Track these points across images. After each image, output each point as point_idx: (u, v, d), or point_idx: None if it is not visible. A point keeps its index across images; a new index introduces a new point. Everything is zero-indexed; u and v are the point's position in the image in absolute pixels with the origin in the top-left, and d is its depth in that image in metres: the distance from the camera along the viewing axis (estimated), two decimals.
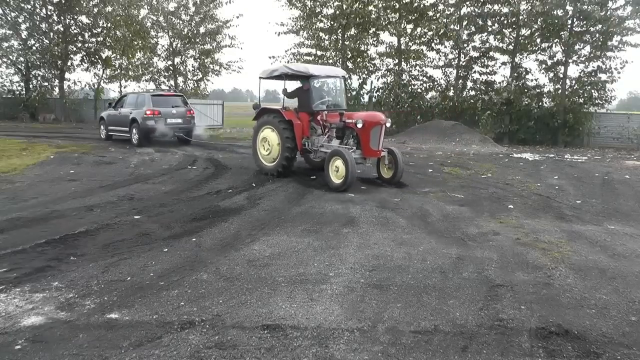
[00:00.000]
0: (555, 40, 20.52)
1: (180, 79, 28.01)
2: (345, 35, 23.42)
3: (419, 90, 23.47)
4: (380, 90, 23.44)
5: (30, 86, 27.65)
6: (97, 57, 27.38)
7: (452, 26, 21.82)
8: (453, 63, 22.94)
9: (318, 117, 10.07)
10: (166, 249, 5.25)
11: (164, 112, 15.56)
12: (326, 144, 9.97)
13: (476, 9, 21.42)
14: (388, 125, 9.56)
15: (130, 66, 27.66)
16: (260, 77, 10.99)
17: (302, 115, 10.10)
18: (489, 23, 21.59)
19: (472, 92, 22.88)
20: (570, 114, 19.95)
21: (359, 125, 9.21)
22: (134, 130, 15.67)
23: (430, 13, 22.44)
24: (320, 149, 10.03)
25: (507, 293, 4.24)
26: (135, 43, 25.64)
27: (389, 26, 22.91)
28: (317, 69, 10.53)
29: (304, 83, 10.23)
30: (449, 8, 22.26)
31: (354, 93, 24.01)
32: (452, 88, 23.13)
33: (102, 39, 26.75)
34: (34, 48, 26.60)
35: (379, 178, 9.99)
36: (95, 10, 26.00)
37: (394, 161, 9.60)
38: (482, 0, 21.04)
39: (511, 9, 20.08)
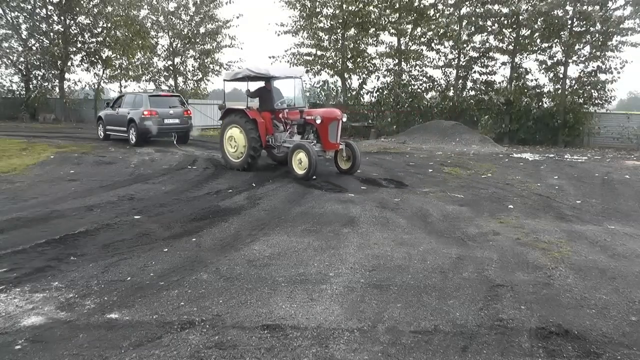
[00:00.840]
0: (555, 40, 20.51)
1: (180, 79, 28.02)
2: (345, 35, 23.42)
3: (419, 90, 23.45)
4: (380, 90, 23.44)
5: (31, 86, 27.65)
6: (97, 57, 27.36)
7: (452, 26, 21.80)
8: (453, 63, 22.91)
9: (280, 115, 10.94)
10: (166, 249, 5.25)
11: (161, 113, 15.65)
12: (288, 139, 10.81)
13: (476, 9, 21.39)
14: (344, 120, 10.48)
15: (130, 66, 27.67)
16: (224, 80, 11.87)
17: (264, 114, 10.85)
18: (489, 23, 21.57)
19: (472, 92, 22.86)
20: (570, 114, 19.93)
21: (318, 121, 10.06)
22: (132, 130, 15.74)
23: (431, 13, 22.41)
24: (283, 144, 10.84)
25: (507, 293, 4.24)
26: (135, 43, 25.64)
27: (389, 26, 22.90)
28: (277, 71, 11.47)
29: (266, 83, 11.13)
30: (449, 8, 22.25)
31: (354, 93, 24.01)
32: (452, 88, 23.12)
33: (102, 39, 26.74)
34: (34, 48, 26.58)
35: (337, 170, 10.75)
36: (96, 10, 25.98)
37: (352, 153, 10.40)
38: (482, 0, 21.02)
39: (513, 8, 20.03)
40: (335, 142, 10.23)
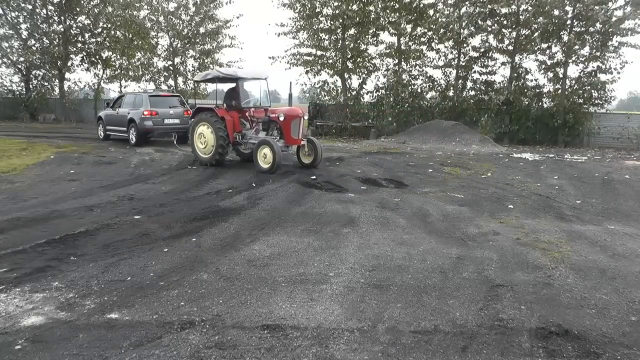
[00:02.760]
0: (555, 40, 20.49)
1: (180, 79, 28.01)
2: (345, 35, 23.41)
3: (419, 90, 23.44)
4: (380, 90, 23.43)
5: (30, 86, 27.63)
6: (97, 57, 27.35)
7: (451, 26, 21.78)
8: (453, 63, 22.90)
9: (246, 113, 11.60)
10: (166, 249, 5.25)
11: (162, 113, 15.68)
12: (254, 136, 11.46)
13: (476, 9, 21.36)
14: (306, 117, 11.31)
15: (130, 66, 27.66)
16: (195, 81, 12.62)
17: (232, 113, 11.43)
18: (489, 23, 21.55)
19: (472, 92, 22.84)
20: (570, 114, 19.91)
21: (281, 119, 10.76)
22: (132, 130, 15.77)
23: (431, 12, 22.39)
24: (250, 141, 11.46)
25: (507, 293, 4.24)
26: (135, 43, 25.63)
27: (388, 26, 22.89)
28: (243, 72, 12.18)
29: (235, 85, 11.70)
30: (448, 8, 22.23)
31: (354, 93, 24.00)
32: (452, 88, 23.11)
33: (102, 39, 26.73)
34: (34, 48, 26.57)
35: (299, 164, 11.38)
36: (96, 10, 25.97)
37: (314, 148, 11.12)
38: (482, 0, 20.99)
39: (513, 7, 19.97)
40: (298, 137, 10.90)
